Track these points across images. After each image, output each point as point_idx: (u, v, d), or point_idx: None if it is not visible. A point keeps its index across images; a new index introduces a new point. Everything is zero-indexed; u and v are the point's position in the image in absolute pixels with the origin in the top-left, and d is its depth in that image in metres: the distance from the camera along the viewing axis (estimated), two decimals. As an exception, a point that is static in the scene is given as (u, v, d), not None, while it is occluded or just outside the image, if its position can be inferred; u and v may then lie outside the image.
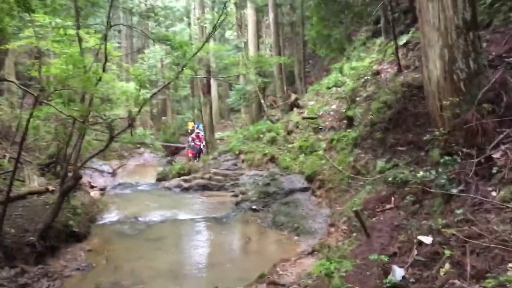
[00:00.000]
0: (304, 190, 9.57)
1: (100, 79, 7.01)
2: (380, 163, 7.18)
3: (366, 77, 11.21)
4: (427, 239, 4.17)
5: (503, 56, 6.70)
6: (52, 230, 6.59)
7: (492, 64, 6.22)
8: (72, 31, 6.75)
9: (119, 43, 31.58)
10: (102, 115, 7.48)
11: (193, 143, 17.03)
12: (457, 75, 5.45)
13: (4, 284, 5.27)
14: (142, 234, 7.85)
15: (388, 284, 3.83)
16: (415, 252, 4.15)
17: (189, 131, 18.00)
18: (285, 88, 18.12)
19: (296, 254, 6.49)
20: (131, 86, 8.71)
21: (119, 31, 31.73)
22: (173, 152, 21.87)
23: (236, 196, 10.38)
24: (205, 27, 21.30)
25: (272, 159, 12.09)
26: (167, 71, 22.88)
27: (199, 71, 17.02)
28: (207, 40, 9.46)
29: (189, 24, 26.78)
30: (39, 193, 8.06)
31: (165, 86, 19.65)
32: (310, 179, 9.68)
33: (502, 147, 4.69)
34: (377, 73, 10.92)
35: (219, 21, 8.35)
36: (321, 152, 10.09)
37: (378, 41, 13.00)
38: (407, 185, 5.67)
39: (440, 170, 4.94)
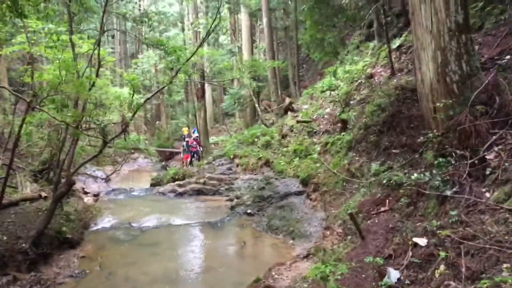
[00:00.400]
0: (299, 193, 9.54)
1: (93, 85, 6.99)
2: (375, 166, 7.21)
3: (359, 81, 11.25)
4: (422, 241, 4.18)
5: (495, 58, 6.77)
6: (45, 237, 6.49)
7: (484, 66, 6.28)
8: (65, 37, 6.70)
9: (112, 48, 31.64)
10: (96, 121, 7.45)
11: (190, 147, 17.00)
12: (450, 77, 5.49)
13: (-4, 292, 5.20)
14: (137, 240, 7.78)
15: (383, 286, 3.85)
16: (410, 254, 4.16)
17: (184, 136, 17.98)
18: (279, 92, 18.16)
19: (292, 257, 6.46)
20: (125, 91, 8.70)
21: (113, 37, 31.79)
22: (167, 157, 21.85)
23: (231, 200, 10.35)
24: (199, 32, 21.41)
25: (267, 163, 12.10)
26: (161, 76, 22.91)
27: (193, 75, 17.06)
28: (201, 45, 9.46)
29: (183, 29, 26.92)
30: (31, 199, 8.00)
31: (159, 91, 19.71)
32: (305, 182, 9.67)
33: (495, 148, 4.73)
34: (371, 76, 10.98)
35: (213, 25, 8.37)
36: (315, 156, 10.09)
37: (372, 44, 13.08)
38: (401, 187, 5.70)
39: (434, 172, 4.96)
